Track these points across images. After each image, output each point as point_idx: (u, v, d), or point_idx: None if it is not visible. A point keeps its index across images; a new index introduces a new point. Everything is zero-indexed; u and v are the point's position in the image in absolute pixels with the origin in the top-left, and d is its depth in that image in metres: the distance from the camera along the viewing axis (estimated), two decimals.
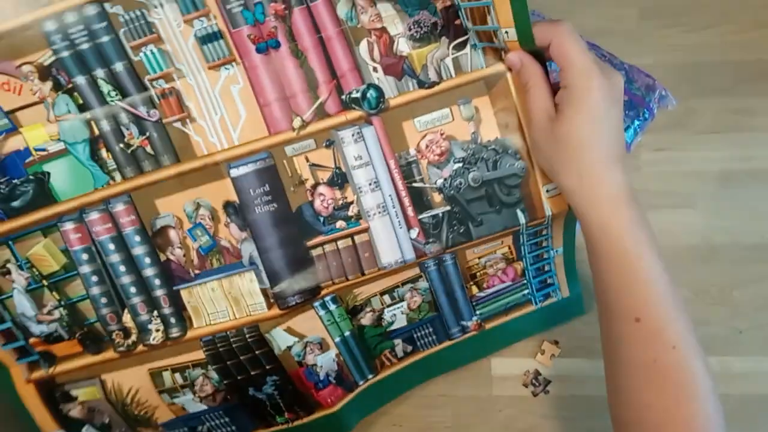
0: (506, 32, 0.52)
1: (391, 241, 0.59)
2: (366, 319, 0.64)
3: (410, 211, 0.59)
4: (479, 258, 0.64)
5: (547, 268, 0.67)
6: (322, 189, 0.58)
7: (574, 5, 0.78)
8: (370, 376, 0.66)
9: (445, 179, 0.58)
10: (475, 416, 0.72)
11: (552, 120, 0.52)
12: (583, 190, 0.51)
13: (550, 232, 0.64)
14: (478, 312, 0.67)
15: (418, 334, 0.67)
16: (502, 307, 0.68)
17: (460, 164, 0.58)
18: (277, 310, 0.59)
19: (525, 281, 0.67)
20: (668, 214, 0.75)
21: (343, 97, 0.56)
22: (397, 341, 0.66)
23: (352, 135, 0.56)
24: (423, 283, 0.64)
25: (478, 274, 0.65)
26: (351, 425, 0.68)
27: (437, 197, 0.59)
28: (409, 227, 0.59)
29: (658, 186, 0.75)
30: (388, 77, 0.56)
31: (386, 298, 0.64)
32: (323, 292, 0.60)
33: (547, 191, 0.59)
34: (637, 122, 0.71)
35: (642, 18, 0.79)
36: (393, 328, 0.65)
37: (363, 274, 0.60)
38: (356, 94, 0.56)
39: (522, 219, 0.60)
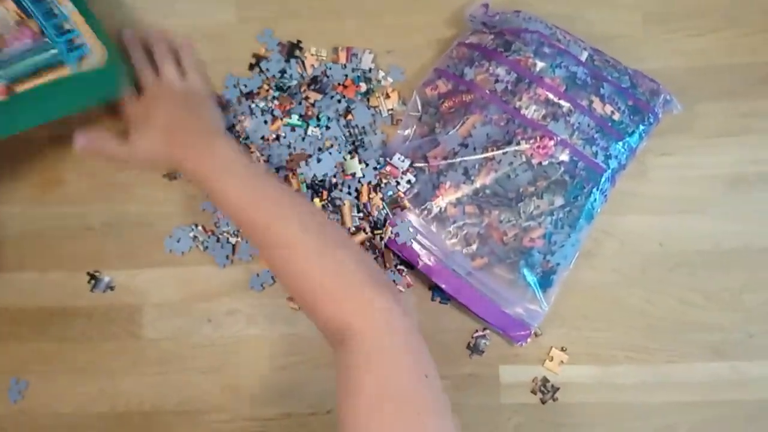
0: None
1: None
2: None
3: None
4: None
5: (67, 26, 0.67)
6: None
7: (577, 10, 0.78)
8: None
9: None
10: (484, 425, 0.72)
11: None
12: (188, 161, 0.65)
13: None
14: (0, 73, 0.65)
15: None
16: (31, 68, 0.66)
17: None
18: None
19: (48, 40, 0.67)
20: (677, 219, 0.74)
21: None
22: None
23: None
24: None
25: None
26: None
27: None
28: None
29: (666, 191, 0.75)
30: None
31: None
32: None
33: None
34: (642, 127, 0.70)
35: (646, 23, 0.78)
36: None
37: None
38: None
39: None
